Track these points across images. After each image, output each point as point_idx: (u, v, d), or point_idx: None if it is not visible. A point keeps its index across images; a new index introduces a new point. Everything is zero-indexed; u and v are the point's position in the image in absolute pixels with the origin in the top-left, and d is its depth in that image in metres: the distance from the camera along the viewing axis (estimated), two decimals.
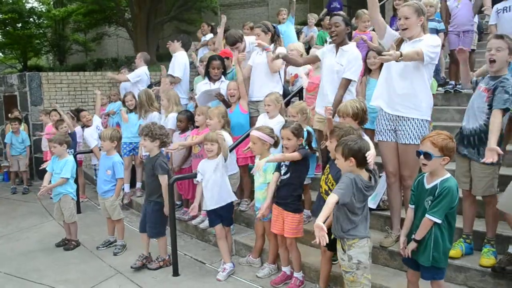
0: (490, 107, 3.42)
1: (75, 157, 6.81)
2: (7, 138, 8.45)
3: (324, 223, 2.71)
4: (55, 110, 7.82)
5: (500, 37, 3.49)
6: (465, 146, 3.58)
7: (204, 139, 4.35)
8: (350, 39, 4.55)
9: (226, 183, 4.34)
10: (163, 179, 4.46)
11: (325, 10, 11.40)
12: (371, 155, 3.08)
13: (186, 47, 7.17)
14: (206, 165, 4.32)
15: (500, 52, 3.42)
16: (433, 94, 4.47)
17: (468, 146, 3.57)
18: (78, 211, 6.39)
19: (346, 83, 4.35)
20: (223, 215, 4.36)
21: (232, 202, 4.42)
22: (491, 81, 3.50)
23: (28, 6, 20.82)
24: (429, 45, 3.58)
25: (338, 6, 11.68)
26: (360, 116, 3.79)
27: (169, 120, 5.72)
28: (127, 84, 7.78)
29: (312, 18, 9.87)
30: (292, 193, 3.81)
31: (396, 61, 3.40)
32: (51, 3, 21.64)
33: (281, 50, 5.24)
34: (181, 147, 5.20)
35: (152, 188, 4.59)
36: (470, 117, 3.60)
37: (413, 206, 3.10)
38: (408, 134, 3.72)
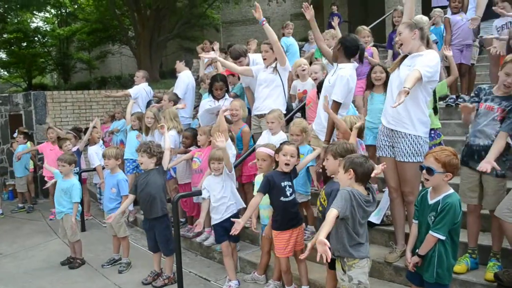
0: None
1: (80, 175, 6.89)
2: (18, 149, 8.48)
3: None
4: (51, 128, 7.95)
5: None
6: (476, 161, 3.52)
7: (210, 158, 4.37)
8: (361, 59, 4.42)
9: (233, 192, 4.39)
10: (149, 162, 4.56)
11: None
12: (379, 168, 3.14)
13: (189, 65, 7.28)
14: (213, 181, 4.36)
15: None
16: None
17: (480, 161, 3.48)
18: (83, 229, 6.42)
19: (335, 105, 4.21)
20: (230, 230, 4.36)
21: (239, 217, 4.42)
22: (503, 101, 3.50)
23: (33, 25, 21.23)
24: (426, 64, 3.58)
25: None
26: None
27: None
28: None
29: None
30: (298, 209, 3.88)
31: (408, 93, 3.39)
32: (56, 22, 21.95)
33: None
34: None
35: (150, 202, 4.57)
36: (480, 135, 3.56)
37: (417, 221, 3.11)
38: (403, 152, 3.72)
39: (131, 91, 7.53)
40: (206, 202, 4.37)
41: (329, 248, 2.59)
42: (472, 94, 3.78)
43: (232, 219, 3.95)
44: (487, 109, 3.56)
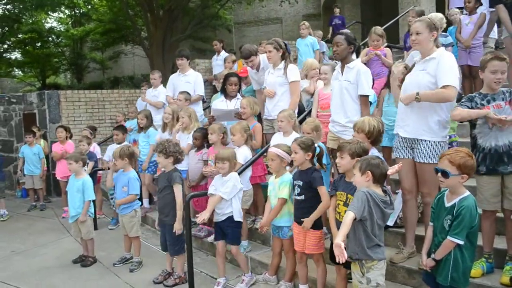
0: None
1: (94, 174, 6.94)
2: (21, 152, 8.54)
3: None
4: (61, 127, 8.00)
5: (503, 59, 3.51)
6: (506, 163, 3.44)
7: (215, 158, 4.37)
8: (357, 56, 4.57)
9: (235, 205, 4.36)
10: (177, 188, 4.50)
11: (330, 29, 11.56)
12: (395, 168, 3.14)
13: (189, 59, 7.25)
14: (220, 181, 4.37)
15: (504, 74, 3.50)
16: None
17: (510, 162, 3.45)
18: (95, 228, 6.43)
19: (365, 100, 4.36)
20: (227, 233, 4.38)
21: (239, 224, 4.43)
22: (502, 95, 3.50)
23: (47, 26, 21.48)
24: (452, 75, 3.55)
25: (339, 22, 11.73)
26: (375, 135, 3.73)
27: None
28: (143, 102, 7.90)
29: (316, 36, 9.88)
30: (308, 213, 3.76)
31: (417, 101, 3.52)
32: (70, 22, 22.18)
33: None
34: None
35: (165, 203, 4.60)
36: (497, 134, 3.48)
37: (433, 224, 3.07)
38: (423, 153, 3.69)
39: (163, 99, 7.48)
40: (214, 198, 4.36)
41: (345, 248, 2.64)
42: (463, 99, 3.67)
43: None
44: (496, 108, 3.50)
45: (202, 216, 4.23)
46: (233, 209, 4.33)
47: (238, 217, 4.35)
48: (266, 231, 4.21)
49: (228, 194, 4.27)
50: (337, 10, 12.35)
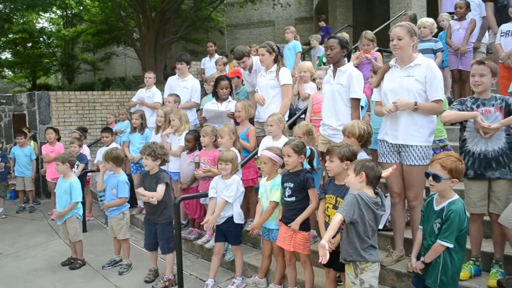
0: None
1: (84, 175, 6.90)
2: (12, 153, 8.44)
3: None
4: (51, 128, 7.95)
5: (482, 63, 3.56)
6: (494, 168, 3.49)
7: (218, 159, 4.38)
8: (348, 60, 4.59)
9: (235, 208, 4.39)
10: (162, 188, 4.53)
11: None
12: (389, 171, 3.21)
13: (189, 64, 7.25)
14: (222, 184, 4.37)
15: (483, 77, 3.53)
16: None
17: (499, 167, 3.48)
18: (84, 230, 6.41)
19: (356, 103, 4.39)
20: (227, 235, 4.40)
21: (239, 224, 4.44)
22: (493, 101, 3.52)
23: (38, 26, 21.28)
24: (441, 87, 3.68)
25: (322, 34, 11.77)
26: (365, 138, 3.82)
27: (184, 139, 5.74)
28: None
29: (313, 39, 9.91)
30: (298, 214, 3.78)
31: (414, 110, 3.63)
32: (61, 23, 22.02)
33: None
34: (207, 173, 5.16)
35: (160, 207, 4.58)
36: (487, 139, 3.49)
37: (422, 227, 3.10)
38: (414, 156, 3.72)
39: (160, 100, 7.44)
40: (213, 202, 4.38)
41: (333, 252, 2.63)
42: (455, 103, 3.73)
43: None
44: (484, 113, 3.53)
45: (210, 224, 4.25)
46: (233, 212, 4.35)
47: (238, 219, 4.38)
48: (257, 233, 4.22)
49: (233, 197, 4.30)
50: (322, 23, 12.38)
